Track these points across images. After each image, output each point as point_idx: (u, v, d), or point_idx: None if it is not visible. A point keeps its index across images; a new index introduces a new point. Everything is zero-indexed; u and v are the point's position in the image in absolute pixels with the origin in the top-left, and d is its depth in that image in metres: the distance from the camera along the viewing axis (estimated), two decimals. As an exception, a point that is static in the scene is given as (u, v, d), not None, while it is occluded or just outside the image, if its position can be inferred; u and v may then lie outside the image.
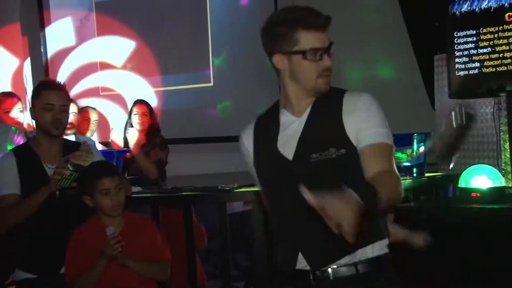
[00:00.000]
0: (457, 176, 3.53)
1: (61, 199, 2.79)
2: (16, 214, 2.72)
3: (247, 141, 2.03)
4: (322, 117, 1.89)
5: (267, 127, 1.98)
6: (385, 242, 1.88)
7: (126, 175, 4.09)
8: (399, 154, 3.84)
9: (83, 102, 6.06)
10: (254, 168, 2.01)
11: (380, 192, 1.65)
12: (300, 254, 1.88)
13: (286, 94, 1.93)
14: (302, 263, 1.88)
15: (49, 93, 2.74)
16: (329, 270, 1.85)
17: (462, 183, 3.46)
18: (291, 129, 1.92)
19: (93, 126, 4.89)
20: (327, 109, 1.89)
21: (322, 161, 1.82)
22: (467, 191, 3.41)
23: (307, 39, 1.81)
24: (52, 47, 6.72)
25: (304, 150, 1.87)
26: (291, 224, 1.91)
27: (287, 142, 1.91)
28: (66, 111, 2.78)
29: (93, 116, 5.02)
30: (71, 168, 2.68)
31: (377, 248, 1.86)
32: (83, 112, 5.07)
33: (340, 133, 1.85)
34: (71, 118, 4.32)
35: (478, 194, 3.37)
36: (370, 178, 1.77)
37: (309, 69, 1.85)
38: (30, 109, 2.82)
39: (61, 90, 2.83)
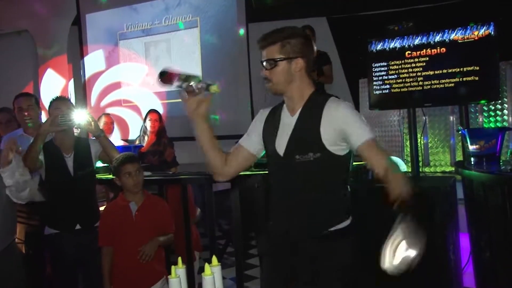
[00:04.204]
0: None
1: (74, 179, 2.92)
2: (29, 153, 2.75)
3: (261, 118, 1.98)
4: (306, 123, 1.84)
5: (273, 118, 1.95)
6: (348, 221, 1.87)
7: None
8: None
9: (109, 110, 6.19)
10: (262, 140, 1.96)
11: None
12: (286, 221, 1.86)
13: None
14: (284, 227, 1.88)
15: (57, 103, 2.89)
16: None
17: (378, 169, 3.57)
18: (285, 126, 1.89)
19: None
20: (311, 115, 1.84)
21: (303, 162, 1.81)
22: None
23: None
24: (88, 71, 6.90)
25: (291, 151, 1.85)
26: (282, 201, 1.89)
27: (282, 138, 1.88)
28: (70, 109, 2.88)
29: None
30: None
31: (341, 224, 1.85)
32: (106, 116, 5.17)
33: (318, 140, 1.79)
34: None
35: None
36: (383, 175, 1.70)
37: None
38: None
39: (65, 99, 2.99)
